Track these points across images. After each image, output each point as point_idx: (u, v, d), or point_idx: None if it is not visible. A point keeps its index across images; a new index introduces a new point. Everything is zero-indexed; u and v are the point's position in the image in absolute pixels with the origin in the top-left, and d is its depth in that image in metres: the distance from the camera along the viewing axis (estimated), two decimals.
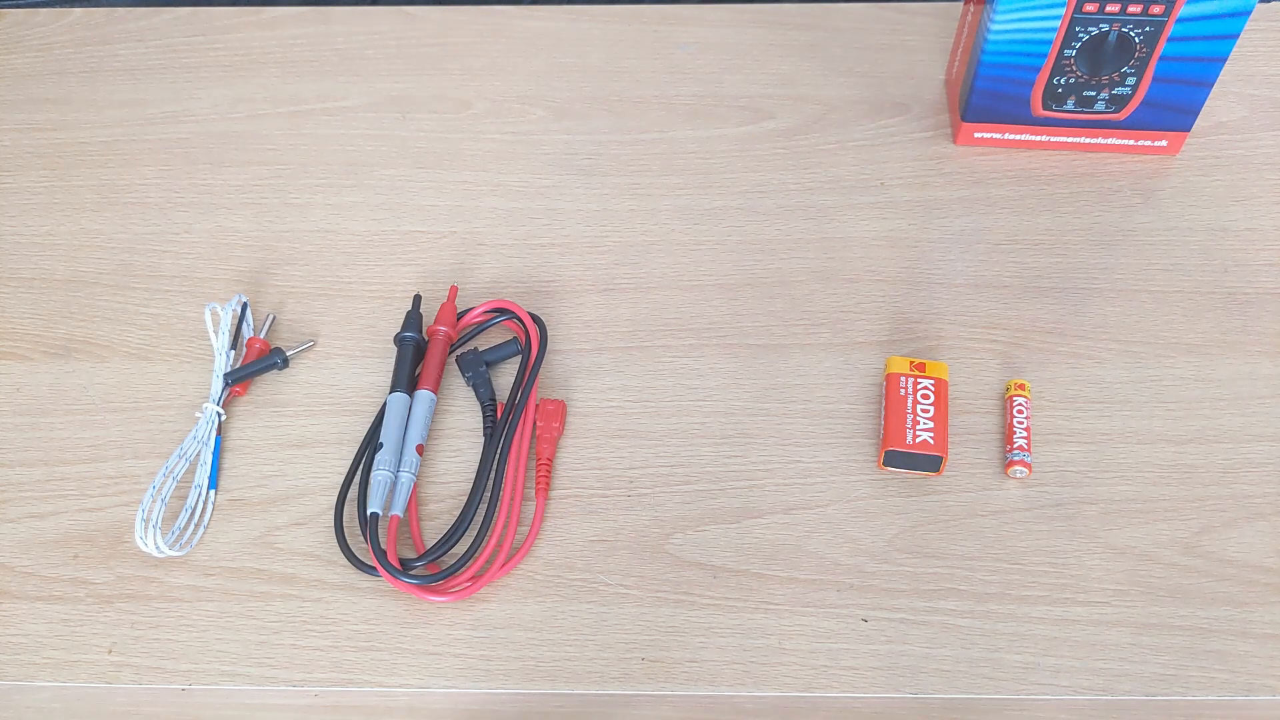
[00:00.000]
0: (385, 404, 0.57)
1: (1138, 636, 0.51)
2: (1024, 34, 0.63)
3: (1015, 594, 0.52)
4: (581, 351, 0.60)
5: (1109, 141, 0.68)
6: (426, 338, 0.60)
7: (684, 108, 0.72)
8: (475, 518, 0.54)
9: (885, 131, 0.70)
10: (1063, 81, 0.65)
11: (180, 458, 0.55)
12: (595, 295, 0.63)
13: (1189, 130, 0.67)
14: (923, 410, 0.56)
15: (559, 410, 0.57)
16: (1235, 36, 0.62)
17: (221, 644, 0.51)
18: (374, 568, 0.52)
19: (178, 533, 0.54)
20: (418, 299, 0.61)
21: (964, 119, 0.68)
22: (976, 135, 0.69)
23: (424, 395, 0.57)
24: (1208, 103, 0.71)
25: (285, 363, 0.59)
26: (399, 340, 0.59)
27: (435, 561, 0.53)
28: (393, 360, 0.60)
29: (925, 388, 0.56)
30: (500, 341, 0.60)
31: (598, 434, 0.57)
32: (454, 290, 0.61)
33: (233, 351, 0.60)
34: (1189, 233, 0.65)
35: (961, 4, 0.69)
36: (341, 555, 0.53)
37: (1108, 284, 0.63)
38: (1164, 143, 0.68)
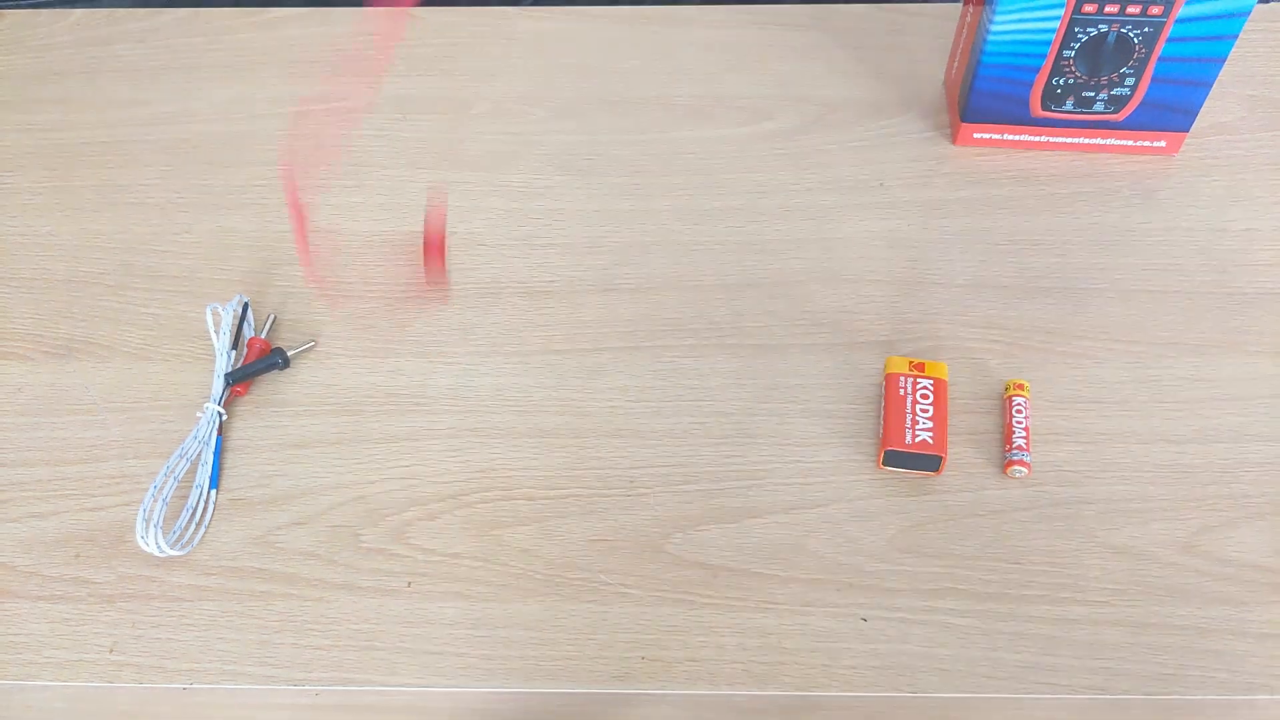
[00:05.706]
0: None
1: (1136, 636, 0.51)
2: (1023, 34, 0.63)
3: (1014, 594, 0.52)
4: (582, 351, 0.61)
5: (1108, 142, 0.68)
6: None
7: (684, 108, 0.72)
8: None
9: (885, 131, 0.70)
10: (1062, 82, 0.65)
11: (181, 457, 0.55)
12: (595, 295, 0.63)
13: (1188, 131, 0.67)
14: (922, 410, 0.56)
15: None
16: (1234, 37, 0.62)
17: (222, 643, 0.51)
18: None
19: (179, 532, 0.54)
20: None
21: (964, 119, 0.68)
22: (976, 135, 0.69)
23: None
24: (1206, 103, 0.71)
25: (286, 363, 0.59)
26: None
27: None
28: (393, 360, 0.60)
29: (925, 388, 0.56)
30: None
31: (598, 434, 0.57)
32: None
33: (234, 351, 0.60)
34: (1188, 233, 0.65)
35: (961, 4, 0.69)
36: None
37: (1108, 284, 0.63)
38: (1163, 143, 0.68)
